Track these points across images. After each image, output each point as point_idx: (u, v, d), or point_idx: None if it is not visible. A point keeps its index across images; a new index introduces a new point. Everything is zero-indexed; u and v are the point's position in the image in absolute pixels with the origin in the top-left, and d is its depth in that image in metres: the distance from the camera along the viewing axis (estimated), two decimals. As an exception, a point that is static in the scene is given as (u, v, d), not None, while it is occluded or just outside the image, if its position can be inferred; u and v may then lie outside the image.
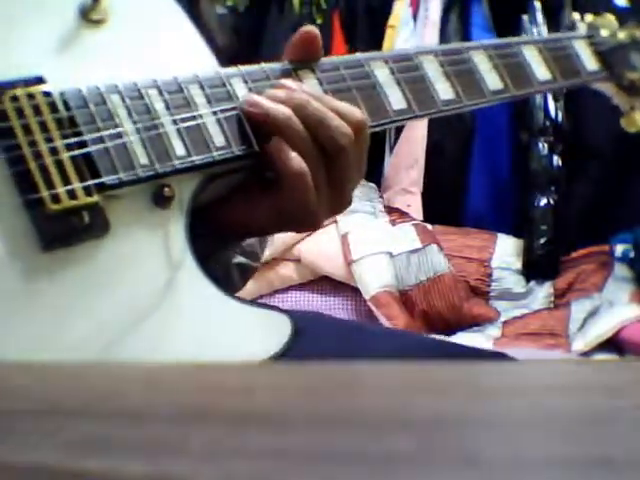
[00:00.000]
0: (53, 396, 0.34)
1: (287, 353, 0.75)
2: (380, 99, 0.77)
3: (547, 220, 2.17)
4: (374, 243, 2.13)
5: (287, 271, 2.16)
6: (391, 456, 0.25)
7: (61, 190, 0.64)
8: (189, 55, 0.75)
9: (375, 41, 2.31)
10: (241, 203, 0.74)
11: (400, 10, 2.36)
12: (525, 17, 2.17)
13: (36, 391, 0.35)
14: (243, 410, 0.31)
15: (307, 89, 0.74)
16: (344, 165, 0.73)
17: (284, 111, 0.71)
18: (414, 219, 2.22)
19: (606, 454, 0.26)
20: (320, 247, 2.14)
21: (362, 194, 2.23)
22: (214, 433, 0.28)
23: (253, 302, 0.73)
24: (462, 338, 2.01)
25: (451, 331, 2.06)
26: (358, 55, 0.79)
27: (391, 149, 2.33)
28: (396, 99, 0.78)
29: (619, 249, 2.16)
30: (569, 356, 1.90)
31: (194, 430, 0.28)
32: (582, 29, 1.00)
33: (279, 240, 2.13)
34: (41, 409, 0.32)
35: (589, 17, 1.01)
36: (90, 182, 0.65)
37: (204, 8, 2.63)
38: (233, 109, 0.72)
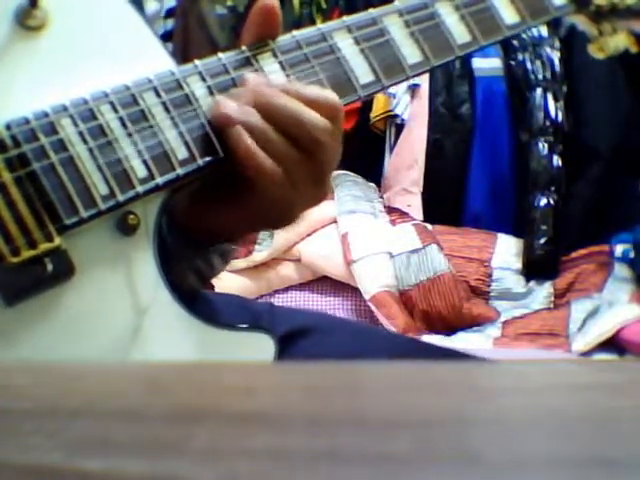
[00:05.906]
0: (53, 396, 0.34)
1: (294, 353, 0.73)
2: (347, 75, 0.73)
3: (547, 220, 2.18)
4: (374, 243, 2.13)
5: (287, 271, 2.16)
6: (391, 456, 0.25)
7: (20, 242, 0.59)
8: (141, 55, 0.68)
9: (375, 41, 2.31)
10: (204, 208, 0.70)
11: (400, 10, 2.36)
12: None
13: (36, 391, 0.35)
14: (243, 410, 0.31)
15: (273, 81, 0.68)
16: (323, 158, 0.67)
17: (248, 113, 0.66)
18: (414, 219, 2.22)
19: (606, 454, 0.26)
20: (320, 247, 2.14)
21: (362, 194, 2.23)
22: (214, 433, 0.28)
23: (234, 325, 0.69)
24: (462, 338, 2.01)
25: (451, 331, 2.06)
26: (321, 27, 0.74)
27: (391, 149, 2.33)
28: (363, 72, 0.74)
29: (619, 249, 2.16)
30: (569, 356, 1.90)
31: (194, 430, 0.29)
32: None
33: (279, 240, 2.13)
34: (41, 409, 0.32)
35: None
36: (49, 227, 0.60)
37: (204, 8, 2.63)
38: (193, 111, 0.67)
